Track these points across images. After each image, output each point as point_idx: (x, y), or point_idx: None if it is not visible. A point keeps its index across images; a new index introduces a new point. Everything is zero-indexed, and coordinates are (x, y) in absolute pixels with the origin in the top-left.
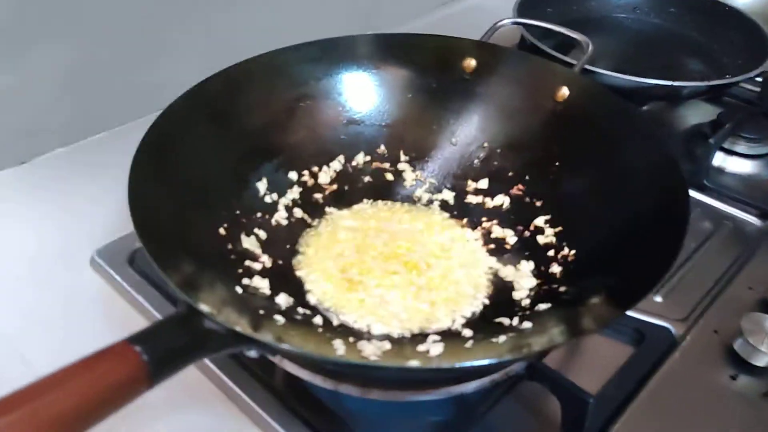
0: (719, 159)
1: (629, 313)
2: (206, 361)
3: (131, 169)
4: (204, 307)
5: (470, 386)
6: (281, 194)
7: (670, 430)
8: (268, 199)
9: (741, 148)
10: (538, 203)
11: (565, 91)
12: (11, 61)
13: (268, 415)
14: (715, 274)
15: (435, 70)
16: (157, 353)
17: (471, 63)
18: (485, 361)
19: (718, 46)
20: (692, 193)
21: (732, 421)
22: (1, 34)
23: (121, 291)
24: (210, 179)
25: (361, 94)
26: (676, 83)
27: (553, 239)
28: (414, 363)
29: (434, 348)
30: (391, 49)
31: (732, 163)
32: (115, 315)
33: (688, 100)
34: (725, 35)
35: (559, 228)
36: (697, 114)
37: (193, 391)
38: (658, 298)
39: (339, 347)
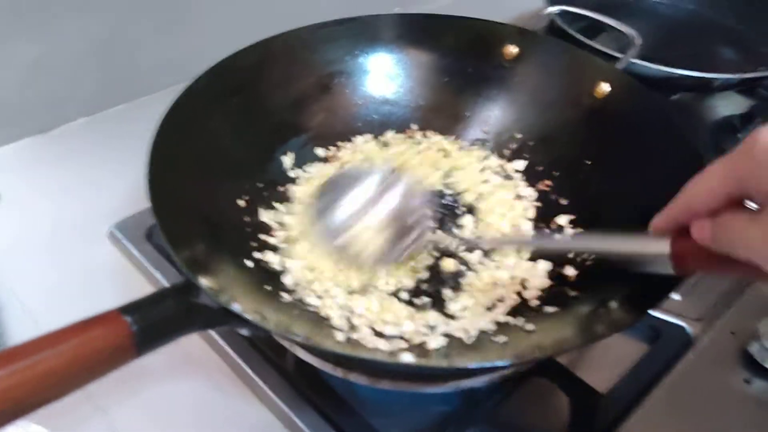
0: None
1: None
2: (214, 335)
3: (152, 142)
4: (204, 282)
5: (479, 380)
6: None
7: (680, 431)
8: (292, 174)
9: None
10: (564, 201)
11: (605, 88)
12: (37, 31)
13: (276, 395)
14: None
15: (474, 54)
16: (147, 324)
17: (512, 50)
18: (484, 364)
19: (755, 35)
20: None
21: (744, 426)
22: (28, 4)
23: (139, 266)
24: (235, 151)
25: (396, 74)
26: (707, 75)
27: None
28: (407, 358)
29: (434, 341)
30: (430, 30)
31: None
32: (131, 290)
33: (721, 92)
34: (763, 24)
35: (581, 229)
36: (729, 105)
37: (199, 363)
38: (676, 296)
39: (339, 335)
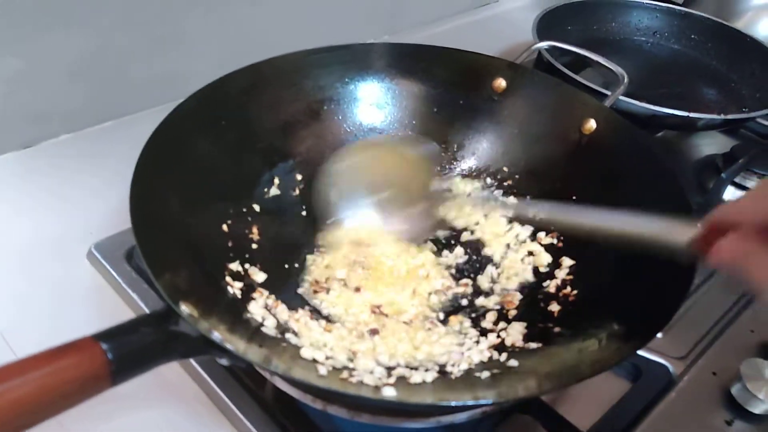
0: (729, 193)
1: None
2: (192, 361)
3: (137, 163)
4: (184, 309)
5: (461, 416)
6: None
7: None
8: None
9: (752, 183)
10: None
11: (592, 124)
12: (22, 45)
13: (254, 426)
14: (716, 314)
15: (464, 86)
16: (123, 352)
17: (501, 83)
18: (468, 402)
19: (738, 77)
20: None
21: None
22: (15, 17)
23: (117, 287)
24: (221, 175)
25: (385, 103)
26: (692, 114)
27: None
28: (389, 393)
29: (416, 375)
30: (420, 61)
31: None
32: (108, 311)
33: (704, 131)
34: (746, 66)
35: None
36: (711, 144)
37: (175, 389)
38: (658, 334)
39: (321, 368)
